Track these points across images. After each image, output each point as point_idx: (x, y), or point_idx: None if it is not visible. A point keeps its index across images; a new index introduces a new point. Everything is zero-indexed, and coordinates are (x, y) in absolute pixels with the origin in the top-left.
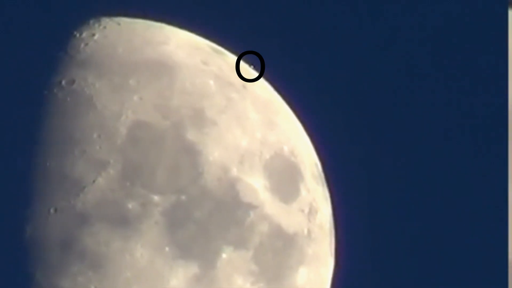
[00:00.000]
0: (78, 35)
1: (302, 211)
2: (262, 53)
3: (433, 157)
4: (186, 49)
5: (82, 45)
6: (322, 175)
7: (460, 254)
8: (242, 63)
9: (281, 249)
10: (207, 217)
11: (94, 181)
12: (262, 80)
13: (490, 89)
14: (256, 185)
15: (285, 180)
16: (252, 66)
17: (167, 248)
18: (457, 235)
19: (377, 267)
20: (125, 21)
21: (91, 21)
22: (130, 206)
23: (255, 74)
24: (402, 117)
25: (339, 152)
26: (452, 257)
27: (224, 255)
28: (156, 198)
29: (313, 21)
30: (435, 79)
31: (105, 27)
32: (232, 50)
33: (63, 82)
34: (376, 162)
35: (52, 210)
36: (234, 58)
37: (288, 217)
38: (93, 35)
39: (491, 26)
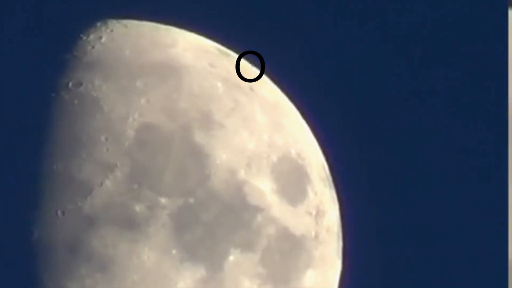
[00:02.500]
0: (85, 37)
1: (310, 213)
2: (262, 53)
3: (435, 158)
4: (193, 52)
5: (89, 47)
6: (330, 177)
7: (461, 254)
8: (244, 63)
9: (289, 251)
10: (215, 220)
11: (101, 184)
12: (269, 82)
13: (490, 89)
14: (263, 188)
15: (292, 183)
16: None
17: (174, 251)
18: (457, 235)
19: (384, 270)
20: (132, 23)
21: (98, 24)
22: (137, 208)
23: (257, 73)
24: (405, 118)
25: (346, 154)
26: (453, 257)
27: (231, 258)
28: (163, 200)
29: (315, 21)
30: (436, 79)
31: (112, 30)
32: (239, 51)
33: (70, 85)
34: (383, 164)
35: (59, 213)
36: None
37: (296, 220)
38: (100, 37)
39: (491, 26)
